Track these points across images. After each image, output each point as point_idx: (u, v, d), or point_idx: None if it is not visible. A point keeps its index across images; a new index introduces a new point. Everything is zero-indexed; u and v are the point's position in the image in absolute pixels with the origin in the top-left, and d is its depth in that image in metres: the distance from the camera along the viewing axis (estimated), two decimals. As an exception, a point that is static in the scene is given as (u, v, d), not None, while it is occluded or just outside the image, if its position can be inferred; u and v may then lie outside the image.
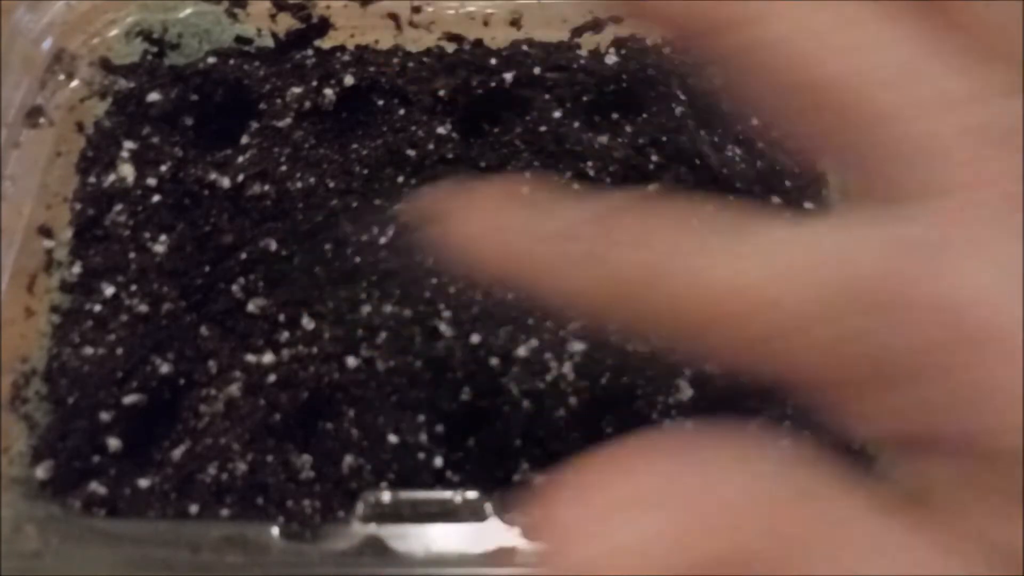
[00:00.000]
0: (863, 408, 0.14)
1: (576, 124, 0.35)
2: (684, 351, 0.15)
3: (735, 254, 0.14)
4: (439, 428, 0.30)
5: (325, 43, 0.38)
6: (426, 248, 0.20)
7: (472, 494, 0.28)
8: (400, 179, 0.34)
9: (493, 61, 0.37)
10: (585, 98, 0.36)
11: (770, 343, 0.14)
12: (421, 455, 0.29)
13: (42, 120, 0.35)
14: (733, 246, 0.14)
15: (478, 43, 0.38)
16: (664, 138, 0.35)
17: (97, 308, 0.31)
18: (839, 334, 0.14)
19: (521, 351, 0.31)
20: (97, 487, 0.29)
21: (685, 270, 0.14)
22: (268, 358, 0.31)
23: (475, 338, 0.31)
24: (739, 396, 0.31)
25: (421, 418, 0.30)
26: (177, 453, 0.29)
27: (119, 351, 0.30)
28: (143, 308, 0.31)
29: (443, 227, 0.16)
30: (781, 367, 0.14)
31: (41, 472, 0.29)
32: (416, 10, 0.38)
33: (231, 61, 0.37)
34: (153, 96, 0.36)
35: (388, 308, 0.32)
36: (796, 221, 0.15)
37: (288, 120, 0.35)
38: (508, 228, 0.16)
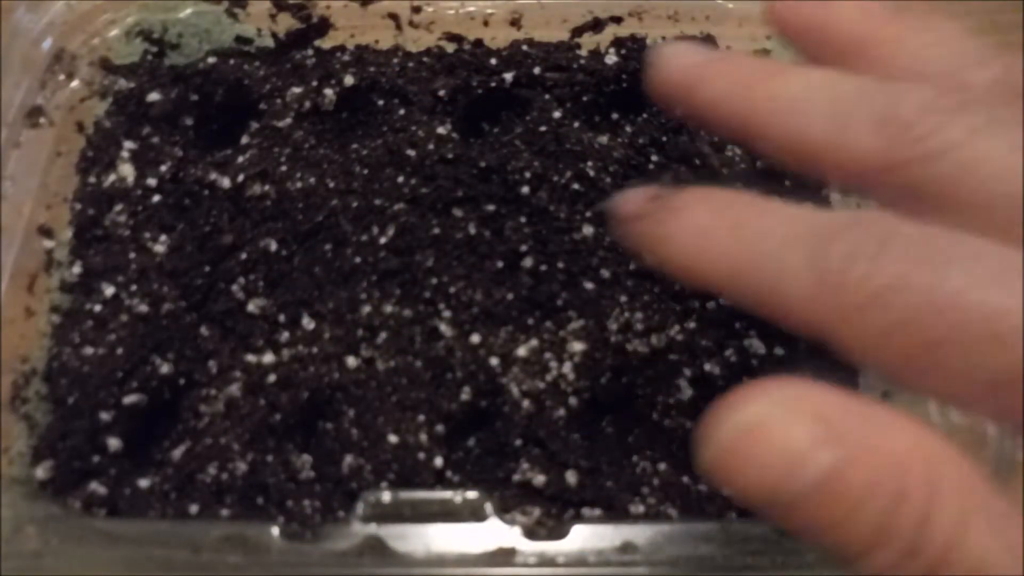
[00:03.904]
0: None
1: (576, 124, 0.35)
2: None
3: None
4: (439, 428, 0.30)
5: (325, 43, 0.38)
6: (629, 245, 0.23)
7: (472, 494, 0.28)
8: (400, 179, 0.34)
9: (493, 61, 0.37)
10: (585, 98, 0.36)
11: None
12: (421, 455, 0.29)
13: (42, 120, 0.35)
14: None
15: (478, 43, 0.38)
16: (664, 138, 0.35)
17: (97, 308, 0.31)
18: None
19: (521, 351, 0.31)
20: (97, 487, 0.29)
21: None
22: (268, 358, 0.31)
23: (475, 338, 0.31)
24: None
25: (421, 418, 0.30)
26: (177, 453, 0.29)
27: (119, 351, 0.30)
28: (143, 308, 0.31)
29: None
30: None
31: (41, 472, 0.29)
32: (416, 10, 0.38)
33: (231, 61, 0.37)
34: (153, 96, 0.36)
35: (388, 308, 0.32)
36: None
37: (288, 120, 0.35)
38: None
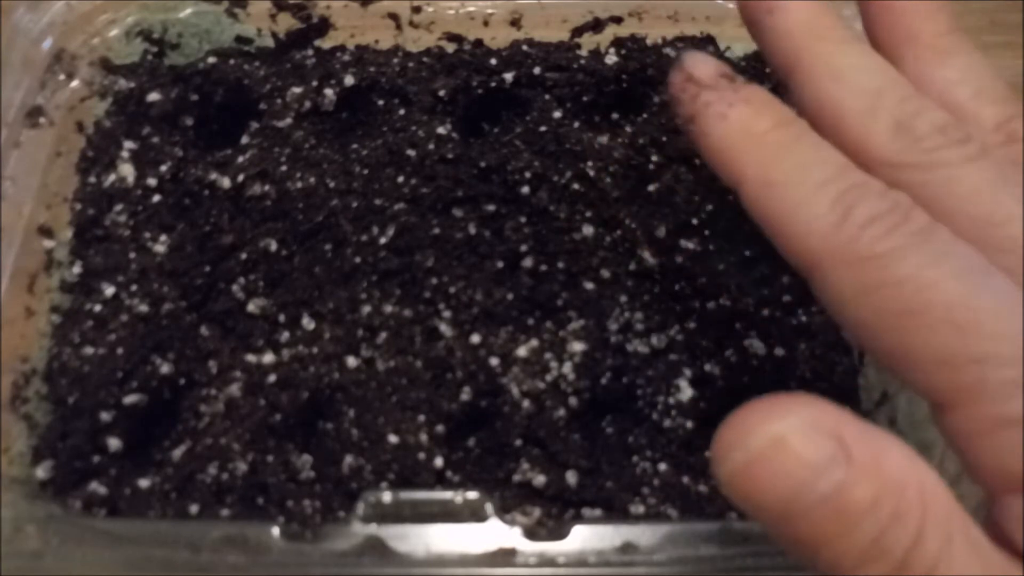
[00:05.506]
0: None
1: (576, 124, 0.35)
2: None
3: None
4: (439, 428, 0.30)
5: (325, 43, 0.38)
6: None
7: (472, 494, 0.28)
8: (400, 179, 0.34)
9: (493, 61, 0.37)
10: (585, 98, 0.36)
11: None
12: (421, 455, 0.29)
13: (42, 120, 0.35)
14: None
15: (478, 43, 0.38)
16: (664, 138, 0.35)
17: (97, 308, 0.31)
18: None
19: (521, 351, 0.31)
20: (97, 487, 0.29)
21: None
22: (268, 358, 0.31)
23: (475, 338, 0.31)
24: (739, 396, 0.31)
25: (421, 418, 0.30)
26: (177, 453, 0.29)
27: (119, 351, 0.30)
28: (143, 308, 0.31)
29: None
30: None
31: (41, 472, 0.29)
32: (416, 10, 0.38)
33: (231, 61, 0.37)
34: (153, 96, 0.36)
35: (388, 308, 0.32)
36: None
37: (288, 120, 0.35)
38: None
